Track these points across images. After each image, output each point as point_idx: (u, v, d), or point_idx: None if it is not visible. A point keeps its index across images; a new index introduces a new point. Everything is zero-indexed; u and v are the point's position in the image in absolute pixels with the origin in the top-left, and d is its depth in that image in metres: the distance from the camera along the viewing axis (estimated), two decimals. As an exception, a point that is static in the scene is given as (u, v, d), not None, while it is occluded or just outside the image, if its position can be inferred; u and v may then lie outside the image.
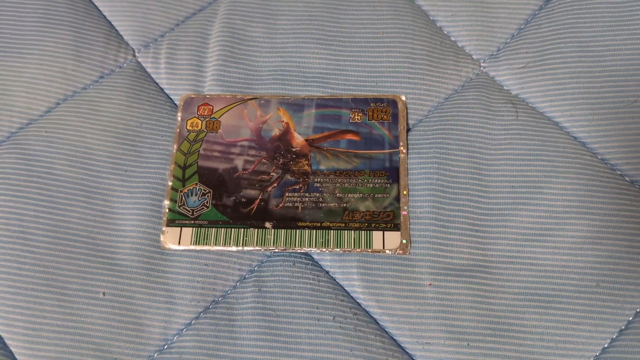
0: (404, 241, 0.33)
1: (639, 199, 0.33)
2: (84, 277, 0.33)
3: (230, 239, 0.33)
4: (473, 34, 0.39)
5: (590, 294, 0.32)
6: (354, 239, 0.33)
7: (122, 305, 0.32)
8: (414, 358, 0.31)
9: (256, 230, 0.33)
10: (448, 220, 0.33)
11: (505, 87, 0.37)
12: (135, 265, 0.33)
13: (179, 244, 0.33)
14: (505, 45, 0.38)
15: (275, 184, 0.35)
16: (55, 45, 0.39)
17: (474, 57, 0.38)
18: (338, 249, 0.33)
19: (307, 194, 0.34)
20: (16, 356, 0.32)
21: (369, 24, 0.39)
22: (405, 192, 0.34)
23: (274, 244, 0.33)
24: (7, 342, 0.32)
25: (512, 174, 0.34)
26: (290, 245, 0.33)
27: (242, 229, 0.33)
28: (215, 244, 0.33)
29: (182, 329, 0.32)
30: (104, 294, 0.33)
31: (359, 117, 0.36)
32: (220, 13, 0.40)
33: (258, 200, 0.34)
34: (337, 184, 0.34)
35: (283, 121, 0.36)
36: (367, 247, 0.33)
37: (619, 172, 0.34)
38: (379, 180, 0.34)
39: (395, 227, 0.33)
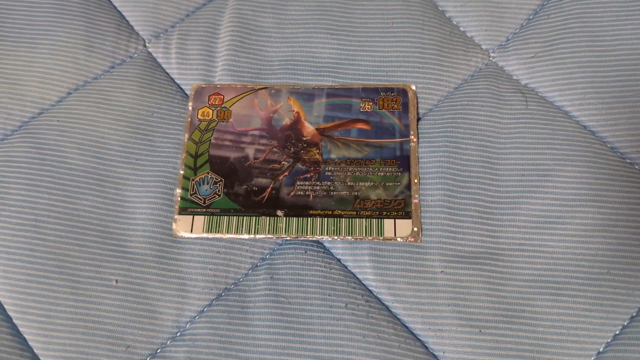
0: (415, 229, 0.33)
1: (649, 187, 0.33)
2: (96, 265, 0.33)
3: (242, 227, 0.33)
4: (482, 24, 0.39)
5: (601, 281, 0.32)
6: (366, 227, 0.33)
7: (134, 292, 0.33)
8: (426, 345, 0.31)
9: (268, 218, 0.34)
10: (459, 208, 0.34)
11: (514, 77, 0.37)
12: (147, 253, 0.33)
13: (191, 231, 0.33)
14: (514, 35, 0.38)
15: (286, 173, 0.35)
16: (67, 35, 0.39)
17: (483, 47, 0.38)
18: (349, 237, 0.33)
19: (318, 183, 0.34)
20: (30, 343, 0.32)
21: (379, 14, 0.39)
22: (416, 181, 0.34)
23: (285, 232, 0.33)
24: (21, 329, 0.32)
25: (522, 162, 0.34)
26: (301, 233, 0.33)
27: (254, 217, 0.34)
28: (227, 232, 0.33)
29: (195, 317, 0.32)
30: (116, 281, 0.33)
31: (369, 107, 0.36)
32: (230, 3, 0.40)
33: (269, 188, 0.34)
34: (348, 173, 0.35)
35: (294, 110, 0.36)
36: (378, 235, 0.33)
37: (628, 161, 0.34)
38: (390, 169, 0.35)
39: (407, 215, 0.33)
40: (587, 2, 0.38)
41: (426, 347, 0.31)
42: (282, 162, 0.35)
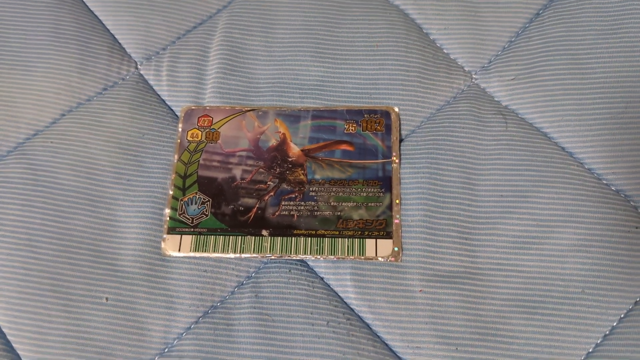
0: (396, 249, 0.34)
1: (623, 208, 0.34)
2: (88, 283, 0.34)
3: (228, 246, 0.35)
4: (465, 46, 0.40)
5: (576, 300, 0.33)
6: (348, 246, 0.34)
7: (124, 310, 0.34)
8: (404, 362, 0.33)
9: (253, 237, 0.35)
10: (439, 229, 0.35)
11: (495, 99, 0.38)
12: (137, 271, 0.34)
13: (179, 251, 0.35)
14: (496, 58, 0.39)
15: (272, 193, 0.36)
16: (60, 58, 0.40)
17: (466, 69, 0.39)
18: (332, 256, 0.34)
19: (302, 203, 0.35)
20: (23, 359, 0.33)
21: (364, 37, 0.40)
22: (397, 201, 0.35)
23: (270, 251, 0.34)
24: (15, 345, 0.33)
25: (501, 183, 0.35)
26: (286, 253, 0.34)
27: (240, 237, 0.35)
28: (214, 251, 0.34)
29: (182, 333, 0.34)
30: (107, 299, 0.34)
31: (353, 128, 0.37)
32: (219, 26, 0.41)
33: (255, 208, 0.35)
34: (332, 193, 0.36)
35: (280, 132, 0.37)
36: (360, 255, 0.34)
37: (604, 182, 0.35)
38: (372, 190, 0.36)
39: (388, 235, 0.34)
40: (568, 25, 0.39)
41: (405, 364, 0.32)
42: (268, 183, 0.36)
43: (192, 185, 0.36)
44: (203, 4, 0.42)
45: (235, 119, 0.38)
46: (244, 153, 0.37)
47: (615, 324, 0.32)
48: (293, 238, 0.35)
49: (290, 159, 0.37)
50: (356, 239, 0.34)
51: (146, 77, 0.40)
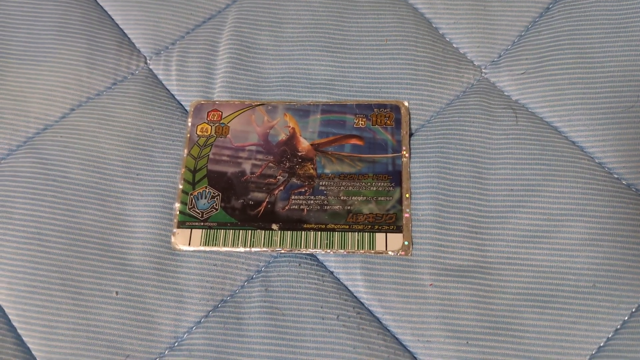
0: (406, 243, 0.34)
1: (634, 202, 0.34)
2: (97, 277, 0.34)
3: (238, 240, 0.34)
4: (475, 40, 0.40)
5: (587, 294, 0.32)
6: (358, 240, 0.34)
7: (134, 304, 0.34)
8: (415, 356, 0.32)
9: (263, 231, 0.35)
10: (449, 223, 0.34)
11: (505, 93, 0.38)
12: (147, 265, 0.34)
13: (189, 245, 0.35)
14: (506, 52, 0.39)
15: (281, 187, 0.36)
16: (70, 53, 0.40)
17: (476, 63, 0.39)
18: (342, 250, 0.34)
19: (312, 197, 0.35)
20: (33, 352, 0.33)
21: (373, 32, 0.40)
22: (407, 195, 0.35)
23: (280, 245, 0.34)
24: (25, 339, 0.33)
25: (511, 177, 0.35)
26: (296, 247, 0.34)
27: (250, 231, 0.35)
28: (224, 245, 0.34)
29: (192, 327, 0.34)
30: (117, 293, 0.34)
31: (362, 122, 0.37)
32: (229, 21, 0.41)
33: (265, 202, 0.35)
34: (342, 187, 0.36)
35: (289, 126, 0.37)
36: (370, 249, 0.34)
37: (615, 176, 0.35)
38: (382, 184, 0.36)
39: (398, 229, 0.34)
40: (577, 19, 0.39)
41: (415, 358, 0.32)
42: (278, 177, 0.36)
43: (201, 180, 0.36)
44: (212, -2, 0.42)
45: (244, 114, 0.38)
46: (253, 147, 0.37)
47: (626, 318, 0.32)
48: (303, 232, 0.35)
49: (299, 154, 0.37)
50: (366, 233, 0.34)
51: (155, 71, 0.40)
